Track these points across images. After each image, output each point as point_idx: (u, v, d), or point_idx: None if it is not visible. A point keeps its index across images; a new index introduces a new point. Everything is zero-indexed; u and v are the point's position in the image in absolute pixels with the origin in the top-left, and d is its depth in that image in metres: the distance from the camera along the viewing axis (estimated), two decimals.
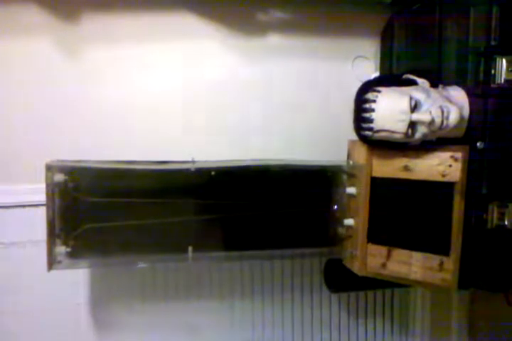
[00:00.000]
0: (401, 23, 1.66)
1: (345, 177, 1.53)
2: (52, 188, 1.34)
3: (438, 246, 1.36)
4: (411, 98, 1.23)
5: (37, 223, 1.39)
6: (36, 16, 1.59)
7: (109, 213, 1.41)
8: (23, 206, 1.61)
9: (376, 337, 2.04)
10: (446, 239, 1.35)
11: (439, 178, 1.34)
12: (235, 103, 1.77)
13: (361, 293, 1.98)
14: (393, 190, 1.41)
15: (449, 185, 1.33)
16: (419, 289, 2.03)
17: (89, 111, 1.66)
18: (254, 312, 1.88)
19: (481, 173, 1.31)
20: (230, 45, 1.74)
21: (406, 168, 1.37)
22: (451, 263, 1.35)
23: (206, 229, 1.48)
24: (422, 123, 1.23)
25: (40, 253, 1.37)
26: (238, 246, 1.51)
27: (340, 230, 1.54)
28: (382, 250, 1.44)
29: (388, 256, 1.43)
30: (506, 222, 1.31)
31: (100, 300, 1.74)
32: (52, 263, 1.35)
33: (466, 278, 1.35)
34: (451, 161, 1.32)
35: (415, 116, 1.22)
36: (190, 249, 1.44)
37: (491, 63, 1.30)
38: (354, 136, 1.38)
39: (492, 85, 1.30)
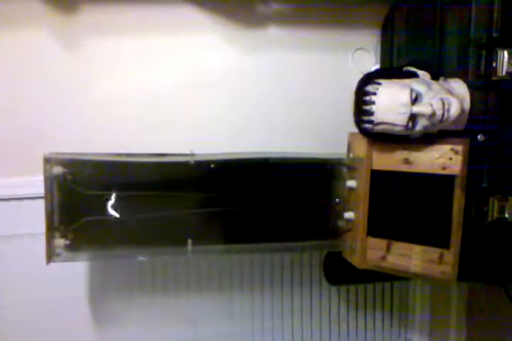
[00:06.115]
0: (401, 14, 1.65)
1: (345, 170, 1.52)
2: (50, 181, 1.34)
3: (438, 239, 1.36)
4: (412, 90, 1.22)
5: (36, 216, 1.39)
6: (34, 7, 1.58)
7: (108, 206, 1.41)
8: (22, 198, 1.61)
9: (375, 330, 2.05)
10: (447, 232, 1.35)
11: (440, 171, 1.33)
12: (234, 95, 1.76)
13: (361, 286, 1.99)
14: (393, 183, 1.41)
15: (450, 178, 1.33)
16: (419, 282, 2.03)
17: (88, 104, 1.65)
18: (254, 304, 1.89)
19: (482, 166, 1.31)
20: (229, 36, 1.72)
21: (406, 161, 1.37)
22: (451, 256, 1.34)
23: (205, 222, 1.48)
24: (423, 115, 1.22)
25: (39, 245, 1.36)
26: (238, 239, 1.51)
27: (340, 223, 1.54)
28: (382, 243, 1.43)
29: (388, 249, 1.43)
30: (507, 215, 1.31)
31: (99, 293, 1.75)
32: (51, 255, 1.35)
33: (466, 271, 1.35)
34: (451, 154, 1.31)
35: (416, 109, 1.21)
36: (189, 242, 1.44)
37: (492, 55, 1.28)
38: (354, 129, 1.37)
39: (493, 78, 1.29)
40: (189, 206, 1.45)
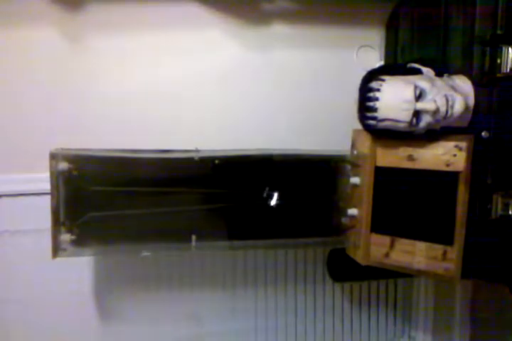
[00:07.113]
0: (406, 11, 1.65)
1: (349, 166, 1.52)
2: (56, 177, 1.35)
3: (442, 235, 1.36)
4: (416, 87, 1.22)
5: (42, 211, 1.39)
6: (40, 6, 1.58)
7: (113, 201, 1.42)
8: (28, 194, 1.62)
9: (379, 327, 2.05)
10: (450, 228, 1.35)
11: (444, 168, 1.33)
12: (239, 92, 1.76)
13: (364, 283, 1.99)
14: (397, 179, 1.41)
15: (454, 175, 1.33)
16: (422, 279, 2.03)
17: (93, 100, 1.66)
18: (257, 301, 1.89)
19: (486, 163, 1.31)
20: (234, 33, 1.73)
21: (410, 158, 1.37)
22: (454, 253, 1.34)
23: (210, 218, 1.49)
24: (427, 112, 1.22)
25: (44, 241, 1.37)
26: (242, 236, 1.52)
27: (344, 220, 1.54)
28: (386, 240, 1.44)
29: (392, 245, 1.43)
30: (510, 212, 1.30)
31: (104, 289, 1.75)
32: (56, 250, 1.36)
33: (470, 268, 1.35)
34: (455, 151, 1.31)
35: (420, 105, 1.22)
36: (193, 237, 1.44)
37: (496, 52, 1.28)
38: (358, 126, 1.37)
39: (498, 74, 1.28)
40: (193, 202, 1.46)
